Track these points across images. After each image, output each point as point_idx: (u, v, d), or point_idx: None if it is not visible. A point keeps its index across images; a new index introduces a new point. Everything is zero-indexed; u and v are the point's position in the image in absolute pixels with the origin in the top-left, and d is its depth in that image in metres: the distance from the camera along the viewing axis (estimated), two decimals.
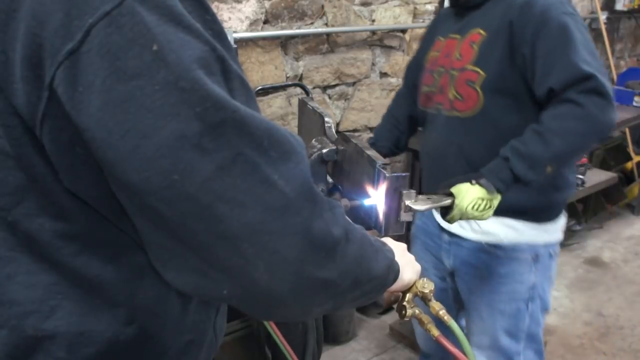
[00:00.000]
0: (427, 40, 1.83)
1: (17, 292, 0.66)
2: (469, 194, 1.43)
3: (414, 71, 1.87)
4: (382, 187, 1.31)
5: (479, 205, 1.43)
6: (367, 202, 1.38)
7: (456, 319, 1.55)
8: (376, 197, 1.35)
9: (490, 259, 1.66)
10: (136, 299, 0.70)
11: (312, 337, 2.36)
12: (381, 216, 1.37)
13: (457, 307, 1.88)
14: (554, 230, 1.68)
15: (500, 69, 1.50)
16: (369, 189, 1.38)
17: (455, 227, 1.68)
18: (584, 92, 1.39)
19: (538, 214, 1.62)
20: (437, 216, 1.74)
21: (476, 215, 1.44)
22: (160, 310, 0.73)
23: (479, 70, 1.53)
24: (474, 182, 1.43)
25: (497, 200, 1.45)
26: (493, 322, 1.70)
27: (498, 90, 1.51)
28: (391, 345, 2.84)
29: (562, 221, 1.70)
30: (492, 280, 1.68)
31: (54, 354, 0.67)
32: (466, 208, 1.43)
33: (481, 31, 1.56)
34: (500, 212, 1.49)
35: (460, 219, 1.48)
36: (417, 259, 1.64)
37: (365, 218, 1.40)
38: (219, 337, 0.88)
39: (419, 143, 1.85)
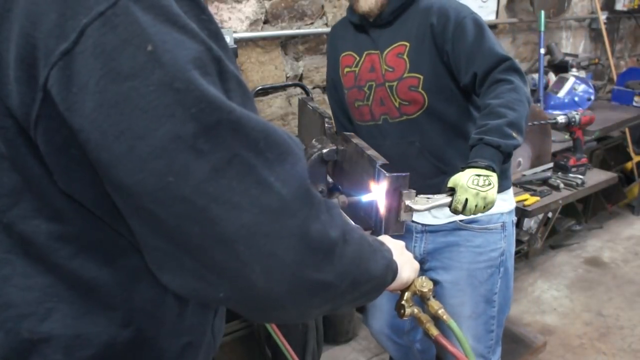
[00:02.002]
0: (334, 55, 1.95)
1: (13, 295, 0.65)
2: (463, 175, 1.48)
3: (336, 95, 2.01)
4: (382, 186, 1.31)
5: (477, 179, 1.48)
6: (365, 198, 1.38)
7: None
8: (374, 193, 1.35)
9: (467, 234, 1.83)
10: (133, 301, 0.70)
11: (312, 337, 2.36)
12: (381, 216, 1.37)
13: None
14: (509, 198, 1.90)
15: (434, 68, 1.70)
16: (369, 186, 1.38)
17: (428, 218, 1.82)
18: (506, 71, 1.62)
19: (500, 184, 1.72)
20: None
21: (480, 190, 1.46)
22: (157, 313, 0.72)
23: (416, 75, 1.71)
24: (462, 168, 1.51)
25: (493, 177, 1.50)
26: (473, 291, 1.86)
27: (436, 87, 1.72)
28: None
29: (511, 189, 1.94)
30: (470, 252, 1.84)
31: (50, 357, 0.67)
32: (466, 184, 1.47)
33: (404, 42, 1.73)
34: None
35: (468, 205, 1.47)
36: None
37: (365, 218, 1.40)
38: (217, 339, 0.88)
39: None
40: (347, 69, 1.88)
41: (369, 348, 2.81)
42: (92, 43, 0.54)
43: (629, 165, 4.37)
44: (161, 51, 0.55)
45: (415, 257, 1.81)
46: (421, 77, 1.71)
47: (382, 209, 1.34)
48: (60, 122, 0.57)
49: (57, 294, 0.66)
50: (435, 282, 1.87)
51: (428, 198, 1.44)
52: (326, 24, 2.84)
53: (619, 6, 4.67)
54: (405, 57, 1.73)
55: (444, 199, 1.48)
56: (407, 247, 1.79)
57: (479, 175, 1.48)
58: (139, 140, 0.55)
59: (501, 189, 1.73)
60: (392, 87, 1.75)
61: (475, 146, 1.56)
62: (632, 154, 4.36)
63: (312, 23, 2.79)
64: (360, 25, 1.82)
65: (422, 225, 1.87)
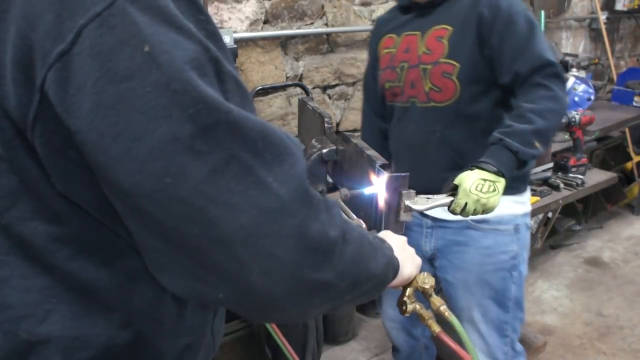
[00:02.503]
0: (374, 42, 1.93)
1: (11, 296, 0.65)
2: (470, 177, 1.47)
3: (372, 81, 1.96)
4: (382, 186, 1.31)
5: (482, 185, 1.48)
6: (367, 191, 1.38)
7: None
8: (376, 186, 1.34)
9: (476, 234, 1.78)
10: (131, 303, 0.70)
11: (312, 337, 2.36)
12: (381, 216, 1.36)
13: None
14: (526, 201, 1.84)
15: (472, 59, 1.63)
16: (371, 175, 1.38)
17: (439, 212, 1.74)
18: (549, 76, 1.57)
19: (515, 187, 1.73)
20: None
21: (481, 197, 1.47)
22: (156, 314, 0.72)
23: (453, 62, 1.64)
24: (473, 167, 1.50)
25: (501, 183, 1.50)
26: (482, 294, 1.80)
27: (472, 79, 1.65)
28: (391, 345, 2.83)
29: (529, 193, 1.86)
30: (479, 253, 1.78)
31: (49, 358, 0.66)
32: (469, 189, 1.46)
33: (446, 26, 1.67)
34: None
35: (467, 208, 1.48)
36: None
37: (364, 218, 1.40)
38: (217, 339, 0.88)
39: (389, 138, 1.93)
40: (385, 51, 1.85)
41: (369, 348, 2.81)
42: (89, 44, 0.54)
43: (629, 165, 4.37)
44: (158, 52, 0.55)
45: (426, 252, 1.83)
46: (458, 65, 1.65)
47: (382, 209, 1.34)
48: (57, 123, 0.57)
49: (56, 295, 0.66)
50: (446, 281, 1.87)
51: (428, 198, 1.43)
52: (326, 24, 2.84)
53: (619, 6, 4.67)
54: (445, 40, 1.67)
55: (444, 199, 1.48)
56: (418, 242, 1.81)
57: (485, 180, 1.48)
58: (136, 142, 0.55)
59: (517, 191, 1.76)
60: (425, 70, 1.70)
61: (493, 145, 1.54)
62: (632, 154, 4.35)
63: (312, 23, 2.79)
64: (407, 7, 1.79)
65: (433, 219, 1.83)
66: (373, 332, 2.93)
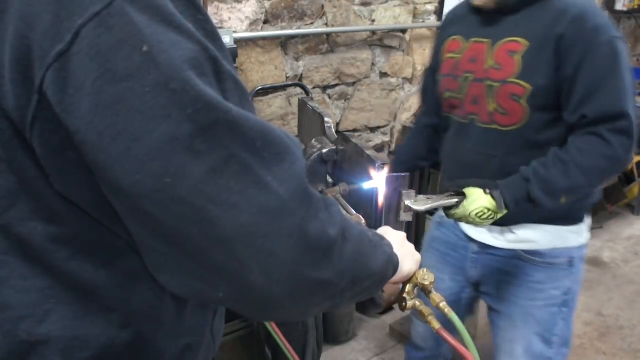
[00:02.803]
0: (439, 41, 1.74)
1: (10, 297, 0.65)
2: (479, 200, 1.44)
3: (431, 81, 1.77)
4: (381, 180, 1.31)
5: (484, 214, 1.44)
6: (366, 186, 1.38)
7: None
8: (376, 181, 1.34)
9: (526, 266, 1.62)
10: (131, 303, 0.70)
11: (312, 337, 2.36)
12: (381, 216, 1.36)
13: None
14: (584, 231, 1.66)
15: (547, 84, 1.43)
16: (371, 170, 1.38)
17: (487, 237, 1.63)
18: (615, 131, 1.38)
19: (573, 217, 1.61)
20: (465, 227, 1.68)
21: (477, 221, 1.46)
22: (155, 314, 0.72)
23: (524, 84, 1.44)
24: (487, 191, 1.44)
25: (502, 214, 1.45)
26: (527, 329, 1.65)
27: (544, 105, 1.45)
28: (391, 345, 2.83)
29: (588, 221, 1.68)
30: (528, 287, 1.63)
31: (49, 359, 0.66)
32: (470, 213, 1.44)
33: (521, 40, 1.45)
34: (538, 219, 1.55)
35: (459, 220, 1.49)
36: (432, 270, 1.65)
37: (364, 218, 1.40)
38: (217, 339, 0.88)
39: (441, 147, 1.77)
40: (448, 55, 1.65)
41: (369, 348, 2.81)
42: (87, 44, 0.54)
43: (629, 165, 4.37)
44: (157, 52, 0.55)
45: (471, 278, 1.73)
46: (529, 87, 1.43)
47: (382, 209, 1.34)
48: (56, 124, 0.57)
49: (55, 295, 0.66)
50: (490, 309, 1.77)
51: (428, 198, 1.43)
52: (326, 24, 2.84)
53: (619, 6, 4.67)
54: (518, 57, 1.45)
55: (445, 199, 1.48)
56: (462, 265, 1.73)
57: (489, 210, 1.44)
58: (136, 142, 0.55)
59: (575, 221, 1.61)
60: (492, 87, 1.49)
61: (519, 176, 1.43)
62: (632, 154, 4.35)
63: (312, 23, 2.79)
64: (479, 8, 1.55)
65: (480, 245, 1.67)
66: (373, 332, 2.93)
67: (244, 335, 2.35)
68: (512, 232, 1.59)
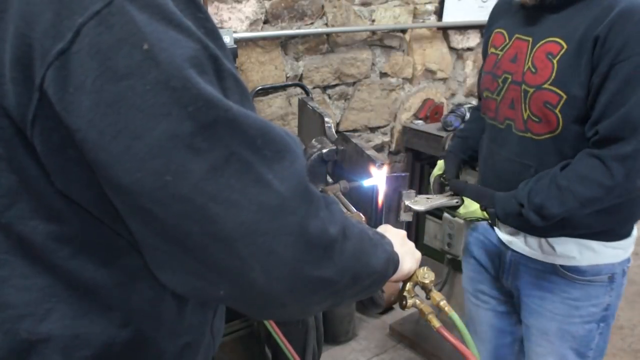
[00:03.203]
0: (487, 32, 1.61)
1: (11, 295, 0.65)
2: (474, 212, 1.46)
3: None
4: (382, 178, 1.31)
5: (474, 219, 1.48)
6: (366, 183, 1.38)
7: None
8: (376, 178, 1.35)
9: (564, 282, 1.49)
10: (131, 301, 0.70)
11: (312, 337, 2.36)
12: (381, 216, 1.37)
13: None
14: (629, 245, 1.49)
15: (582, 93, 1.28)
16: (371, 167, 1.38)
17: (523, 247, 1.50)
18: (619, 158, 1.24)
19: (617, 232, 1.45)
20: (501, 233, 1.56)
21: (466, 222, 1.49)
22: (156, 313, 0.72)
23: (559, 91, 1.30)
24: (483, 208, 1.44)
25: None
26: (563, 345, 1.55)
27: (580, 116, 1.31)
28: (391, 345, 2.84)
29: (635, 233, 1.50)
30: (564, 304, 1.51)
31: (49, 358, 0.66)
32: (463, 219, 1.49)
33: (560, 41, 1.31)
34: (577, 234, 1.41)
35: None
36: (471, 279, 1.62)
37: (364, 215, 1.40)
38: (217, 339, 0.88)
39: (479, 149, 1.65)
40: (492, 50, 1.52)
41: (369, 348, 2.81)
42: (88, 42, 0.54)
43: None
44: (157, 50, 0.55)
45: (505, 287, 1.60)
46: (564, 96, 1.29)
47: (382, 208, 1.34)
48: (57, 122, 0.57)
49: (56, 294, 0.66)
50: (523, 323, 1.64)
51: (428, 198, 1.44)
52: (326, 24, 2.84)
53: None
54: (555, 60, 1.31)
55: (445, 200, 1.48)
56: (497, 275, 1.61)
57: (479, 219, 1.46)
58: (136, 140, 0.55)
59: (621, 236, 1.45)
60: (527, 92, 1.36)
61: (515, 199, 1.37)
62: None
63: (312, 23, 2.79)
64: (523, 3, 1.41)
65: (514, 253, 1.54)
66: (373, 332, 2.93)
67: (244, 335, 2.35)
68: (550, 245, 1.46)
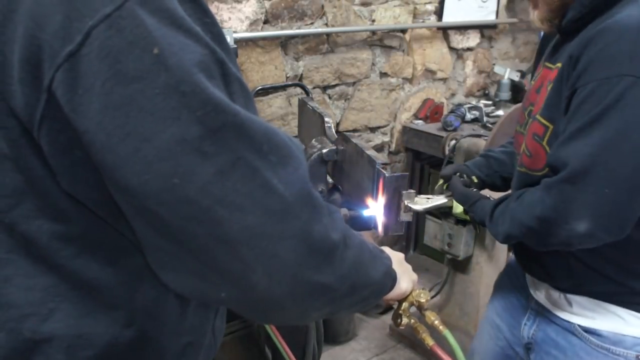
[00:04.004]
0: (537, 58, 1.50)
1: (15, 295, 0.65)
2: (461, 214, 1.46)
3: None
4: (382, 189, 1.31)
5: (465, 220, 1.47)
6: (366, 213, 1.39)
7: None
8: (375, 208, 1.36)
9: (580, 345, 1.27)
10: (135, 301, 0.70)
11: (312, 337, 2.36)
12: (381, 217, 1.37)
13: None
14: None
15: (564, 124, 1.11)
16: (369, 199, 1.39)
17: (544, 299, 1.34)
18: (552, 186, 1.07)
19: None
20: (529, 278, 1.40)
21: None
22: (158, 313, 0.73)
23: (545, 122, 1.15)
24: (465, 211, 1.41)
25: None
26: None
27: None
28: (391, 345, 2.84)
29: None
30: None
31: (52, 357, 0.67)
32: (456, 215, 1.48)
33: (558, 65, 1.16)
34: (599, 294, 1.23)
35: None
36: (492, 315, 1.55)
37: (365, 219, 1.40)
38: (218, 339, 0.88)
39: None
40: (532, 81, 1.35)
41: (369, 348, 2.82)
42: (97, 45, 0.55)
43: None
44: (167, 54, 0.56)
45: (523, 338, 1.41)
46: (550, 126, 1.13)
47: (382, 209, 1.35)
48: (64, 123, 0.57)
49: (59, 294, 0.66)
50: None
51: (428, 198, 1.44)
52: (326, 24, 2.84)
53: None
54: (549, 87, 1.16)
55: (444, 200, 1.49)
56: (519, 322, 1.43)
57: (466, 221, 1.49)
58: (145, 143, 0.55)
59: None
60: (528, 124, 1.24)
61: (489, 209, 1.26)
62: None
63: (312, 23, 2.79)
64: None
65: (537, 304, 1.37)
66: (373, 332, 2.94)
67: (244, 335, 2.35)
68: (568, 302, 1.28)
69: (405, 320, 1.07)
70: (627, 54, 0.99)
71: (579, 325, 1.27)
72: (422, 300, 1.05)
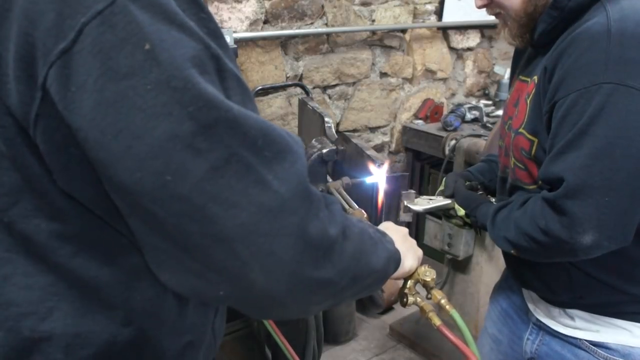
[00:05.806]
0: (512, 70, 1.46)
1: (13, 294, 0.65)
2: (463, 217, 1.44)
3: None
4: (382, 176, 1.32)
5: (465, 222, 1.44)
6: (368, 180, 1.38)
7: None
8: (377, 176, 1.34)
9: (587, 358, 1.24)
10: (133, 300, 0.70)
11: (312, 337, 2.36)
12: (380, 216, 1.37)
13: None
14: None
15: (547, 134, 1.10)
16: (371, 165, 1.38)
17: (544, 317, 1.32)
18: (549, 203, 1.06)
19: None
20: (527, 295, 1.38)
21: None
22: (157, 312, 0.72)
23: (529, 135, 1.14)
24: (467, 215, 1.39)
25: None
26: None
27: None
28: (391, 345, 2.84)
29: None
30: None
31: (51, 356, 0.67)
32: (455, 211, 1.45)
33: (535, 78, 1.15)
34: (601, 306, 1.20)
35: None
36: (492, 328, 1.50)
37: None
38: (218, 338, 0.88)
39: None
40: (508, 94, 1.35)
41: (369, 348, 2.82)
42: (90, 42, 0.54)
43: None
44: (159, 50, 0.55)
45: (525, 353, 1.38)
46: (535, 140, 1.12)
47: (382, 209, 1.35)
48: (59, 121, 0.57)
49: (58, 292, 0.66)
50: None
51: (428, 199, 1.44)
52: (326, 24, 2.84)
53: None
54: (528, 100, 1.15)
55: (444, 201, 1.49)
56: (520, 335, 1.40)
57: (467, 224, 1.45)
58: (137, 140, 0.55)
59: None
60: (511, 138, 1.21)
61: (491, 213, 1.24)
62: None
63: (312, 23, 2.79)
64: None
65: (538, 320, 1.33)
66: (373, 332, 2.93)
67: (244, 335, 2.35)
68: (570, 317, 1.26)
69: (411, 299, 1.02)
70: (602, 62, 0.98)
71: (586, 340, 1.23)
72: (428, 279, 1.01)
